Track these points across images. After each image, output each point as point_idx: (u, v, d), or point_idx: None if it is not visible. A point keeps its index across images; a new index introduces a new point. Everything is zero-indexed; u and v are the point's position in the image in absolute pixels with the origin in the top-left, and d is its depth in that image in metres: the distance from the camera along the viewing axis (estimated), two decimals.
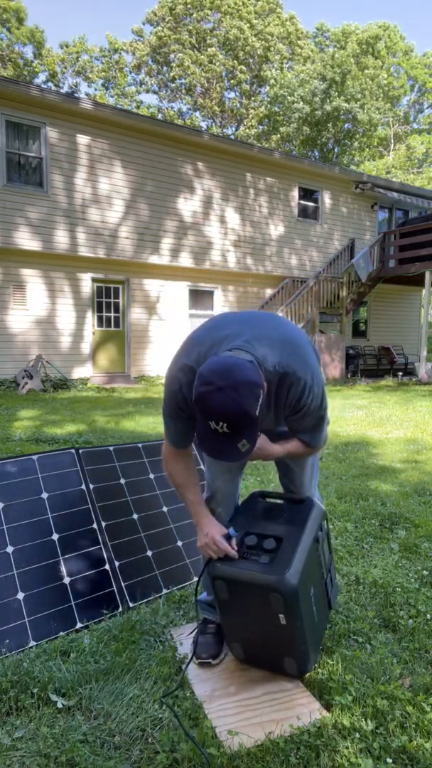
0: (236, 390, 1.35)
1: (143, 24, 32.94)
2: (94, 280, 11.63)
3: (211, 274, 13.10)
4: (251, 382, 1.38)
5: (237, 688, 1.76)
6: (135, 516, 2.51)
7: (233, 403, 1.35)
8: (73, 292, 11.33)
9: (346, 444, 5.55)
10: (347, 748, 1.49)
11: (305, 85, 29.01)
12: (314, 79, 29.07)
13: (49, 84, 32.27)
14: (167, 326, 12.62)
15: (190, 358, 1.61)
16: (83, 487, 2.45)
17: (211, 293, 13.34)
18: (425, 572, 2.54)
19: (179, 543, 2.55)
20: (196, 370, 1.57)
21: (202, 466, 2.94)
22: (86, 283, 11.47)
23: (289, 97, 29.29)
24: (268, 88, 31.07)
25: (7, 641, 1.92)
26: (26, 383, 9.96)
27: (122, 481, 2.58)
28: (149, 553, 2.42)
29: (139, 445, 2.79)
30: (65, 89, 33.29)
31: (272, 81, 30.28)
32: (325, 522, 1.90)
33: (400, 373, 15.57)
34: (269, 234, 13.69)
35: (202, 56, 30.87)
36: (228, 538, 1.73)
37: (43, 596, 2.07)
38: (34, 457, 2.43)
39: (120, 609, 2.18)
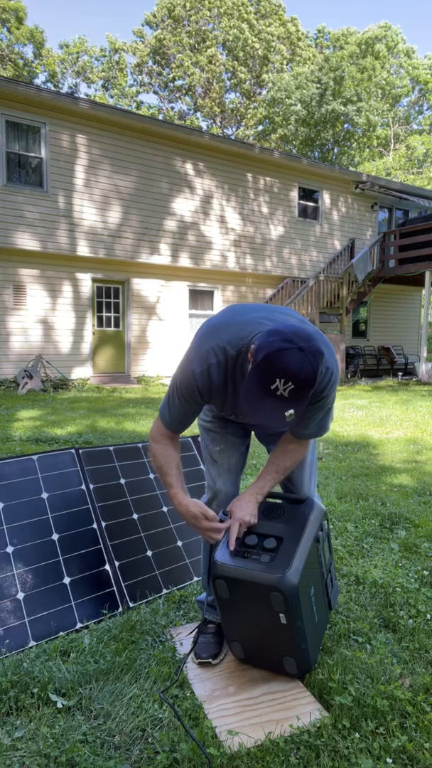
0: (314, 356, 1.39)
1: (142, 26, 32.99)
2: (93, 280, 11.63)
3: (211, 274, 13.10)
4: (324, 356, 1.42)
5: (237, 688, 1.76)
6: (135, 516, 2.50)
7: (309, 366, 1.37)
8: (73, 293, 11.33)
9: (346, 444, 5.55)
10: (347, 748, 1.49)
11: (302, 88, 29.03)
12: (311, 82, 29.08)
13: (49, 84, 32.28)
14: (167, 327, 12.62)
15: (222, 339, 1.57)
16: (83, 487, 2.45)
17: (210, 293, 13.34)
18: (425, 572, 2.54)
19: (179, 543, 2.55)
20: (229, 351, 1.56)
21: (202, 467, 2.94)
22: (86, 283, 11.47)
23: (286, 100, 29.32)
24: (265, 92, 31.10)
25: (7, 641, 1.92)
26: (26, 383, 9.95)
27: (122, 481, 2.58)
28: (149, 553, 2.42)
29: (139, 445, 2.79)
30: (65, 90, 33.31)
31: (270, 84, 30.32)
32: (326, 522, 1.90)
33: (400, 373, 15.57)
34: (269, 234, 13.69)
35: (202, 57, 30.88)
36: (220, 521, 1.75)
37: (43, 596, 2.07)
38: (34, 457, 2.43)
39: (120, 609, 2.18)
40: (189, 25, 30.93)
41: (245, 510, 1.75)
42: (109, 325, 11.99)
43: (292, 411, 1.41)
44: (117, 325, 12.10)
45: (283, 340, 1.38)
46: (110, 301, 11.97)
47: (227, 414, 1.80)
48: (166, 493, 1.78)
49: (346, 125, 31.25)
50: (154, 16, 31.82)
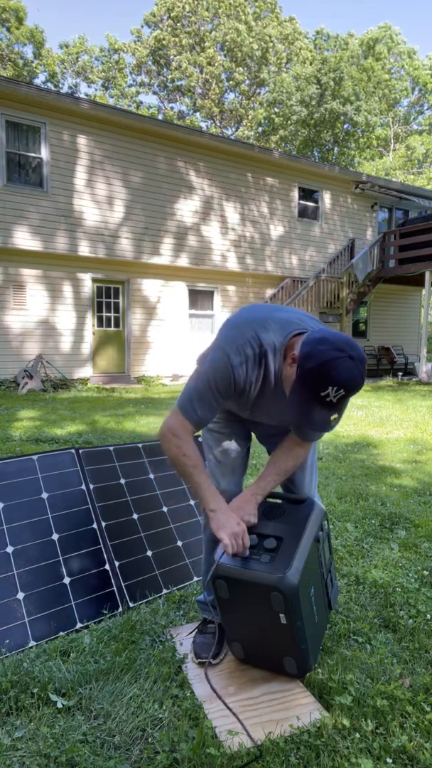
0: (362, 364, 1.46)
1: (141, 26, 32.99)
2: (94, 280, 11.63)
3: (211, 274, 13.10)
4: (366, 363, 1.49)
5: (237, 688, 1.76)
6: (135, 516, 2.51)
7: (359, 375, 1.45)
8: (73, 293, 11.33)
9: (346, 444, 5.55)
10: (347, 748, 1.49)
11: (302, 90, 29.04)
12: (311, 83, 29.09)
13: (49, 84, 32.28)
14: (167, 327, 12.62)
15: (257, 334, 1.58)
16: (83, 487, 2.45)
17: (210, 293, 13.34)
18: (425, 572, 2.54)
19: (179, 543, 2.55)
20: (264, 345, 1.58)
21: None
22: (86, 283, 11.47)
23: (287, 101, 29.33)
24: (266, 92, 31.10)
25: (7, 641, 1.92)
26: (26, 383, 9.95)
27: (122, 481, 2.58)
28: (149, 553, 2.42)
29: (139, 445, 2.79)
30: (65, 89, 33.32)
31: (271, 85, 30.33)
32: (326, 522, 1.90)
33: (400, 373, 15.57)
34: (269, 234, 13.69)
35: (201, 57, 30.86)
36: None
37: (43, 596, 2.07)
38: (34, 457, 2.43)
39: (120, 609, 2.18)
40: (188, 26, 30.91)
41: (245, 509, 1.75)
42: (109, 325, 11.99)
43: (336, 415, 1.48)
44: (117, 325, 12.10)
45: (335, 349, 1.44)
46: (110, 301, 11.97)
47: (242, 410, 1.78)
48: (198, 493, 1.70)
49: (345, 125, 31.26)
50: (154, 15, 31.78)
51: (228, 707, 1.46)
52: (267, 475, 1.79)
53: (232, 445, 1.91)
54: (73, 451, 2.54)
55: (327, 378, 1.42)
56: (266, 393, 1.67)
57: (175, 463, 1.69)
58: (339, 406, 1.47)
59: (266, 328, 1.60)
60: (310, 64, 30.88)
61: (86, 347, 11.59)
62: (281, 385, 1.64)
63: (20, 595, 2.04)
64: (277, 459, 1.81)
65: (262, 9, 31.90)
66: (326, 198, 14.71)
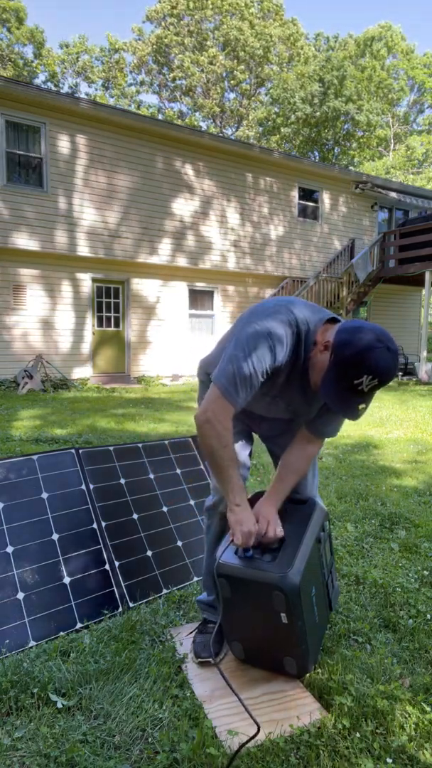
0: (397, 357, 1.48)
1: (143, 22, 32.98)
2: (93, 280, 11.62)
3: (211, 274, 13.09)
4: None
5: (237, 688, 1.76)
6: (135, 516, 2.50)
7: (394, 367, 1.47)
8: (73, 293, 11.32)
9: (346, 444, 5.55)
10: (347, 748, 1.49)
11: (306, 87, 29.07)
12: (314, 81, 29.12)
13: (49, 84, 32.27)
14: (167, 327, 12.62)
15: (294, 315, 1.58)
16: (83, 487, 2.45)
17: (210, 293, 13.34)
18: (425, 572, 2.54)
19: (179, 543, 2.55)
20: (301, 326, 1.58)
21: (202, 467, 2.94)
22: (86, 283, 11.46)
23: (291, 99, 29.35)
24: (270, 88, 31.09)
25: (7, 641, 1.92)
26: (26, 383, 9.95)
27: (122, 481, 2.58)
28: (149, 553, 2.42)
29: (139, 445, 2.79)
30: (65, 89, 33.31)
31: (275, 81, 30.34)
32: (327, 523, 1.90)
33: (400, 373, 15.56)
34: (269, 234, 13.69)
35: (202, 57, 30.86)
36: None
37: (43, 596, 2.07)
38: (34, 457, 2.43)
39: (120, 609, 2.18)
40: (191, 25, 30.88)
41: (271, 520, 1.72)
42: (109, 325, 11.99)
43: (364, 405, 1.50)
44: (117, 325, 12.10)
45: (374, 339, 1.46)
46: (110, 301, 11.96)
47: (264, 398, 1.73)
48: (226, 486, 1.63)
49: (346, 125, 31.26)
50: (156, 12, 31.71)
51: (241, 701, 1.46)
52: (284, 478, 1.78)
53: (238, 446, 1.91)
54: (73, 451, 2.54)
55: (363, 366, 1.44)
56: (292, 379, 1.66)
57: (214, 454, 1.59)
58: (369, 396, 1.49)
59: (301, 312, 1.61)
60: (313, 64, 30.87)
61: (86, 347, 11.58)
62: (306, 372, 1.64)
63: (20, 595, 2.04)
64: (291, 460, 1.80)
65: (267, 9, 31.88)
66: (326, 198, 14.71)
